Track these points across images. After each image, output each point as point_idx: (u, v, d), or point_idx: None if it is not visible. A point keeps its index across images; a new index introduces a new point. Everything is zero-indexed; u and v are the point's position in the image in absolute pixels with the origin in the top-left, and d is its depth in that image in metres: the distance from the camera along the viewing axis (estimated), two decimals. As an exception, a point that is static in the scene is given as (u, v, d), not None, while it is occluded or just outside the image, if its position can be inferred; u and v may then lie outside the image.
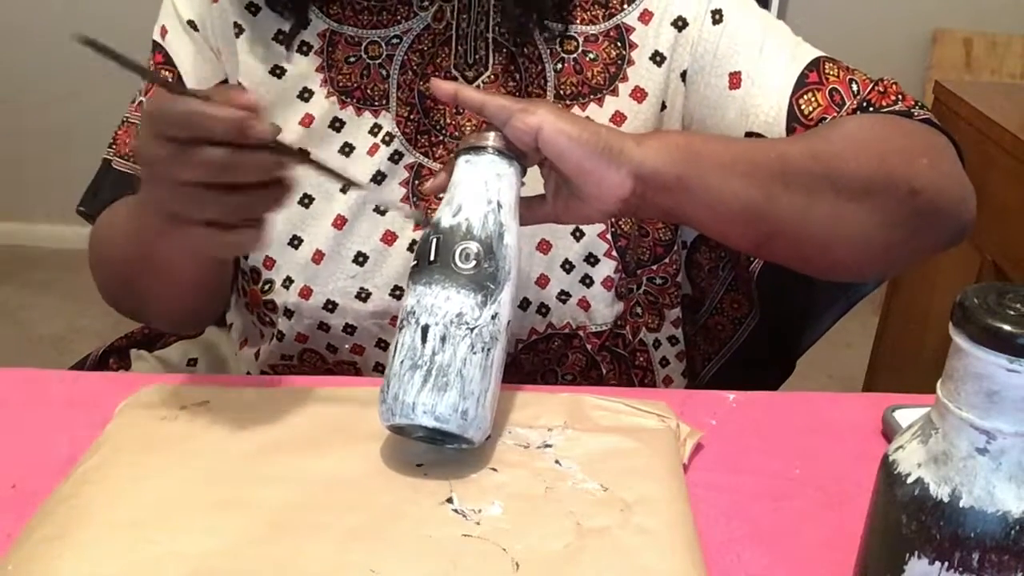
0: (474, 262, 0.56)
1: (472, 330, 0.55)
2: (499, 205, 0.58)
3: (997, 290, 0.36)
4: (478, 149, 0.60)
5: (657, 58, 0.74)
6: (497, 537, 0.50)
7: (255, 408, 0.62)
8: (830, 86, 0.73)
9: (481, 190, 0.58)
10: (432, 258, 0.56)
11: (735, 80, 0.73)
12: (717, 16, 0.74)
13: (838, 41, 2.75)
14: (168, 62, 0.78)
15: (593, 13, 0.74)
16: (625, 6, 0.74)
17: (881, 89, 0.73)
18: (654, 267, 0.79)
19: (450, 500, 0.53)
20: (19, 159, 2.68)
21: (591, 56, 0.74)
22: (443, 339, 0.54)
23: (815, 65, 0.74)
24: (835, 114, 0.71)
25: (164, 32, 0.78)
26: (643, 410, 0.61)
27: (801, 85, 0.73)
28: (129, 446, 0.58)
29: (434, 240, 0.57)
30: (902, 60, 2.43)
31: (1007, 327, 0.34)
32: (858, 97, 0.72)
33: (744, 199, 0.62)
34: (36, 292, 2.52)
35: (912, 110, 0.72)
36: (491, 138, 0.60)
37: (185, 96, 0.52)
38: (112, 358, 0.87)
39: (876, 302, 2.49)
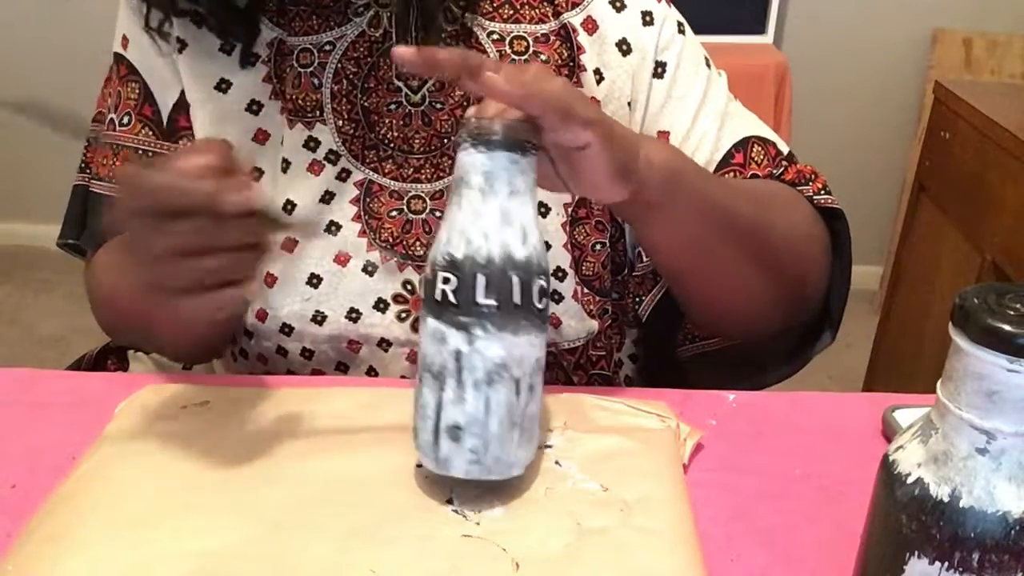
0: (544, 299, 0.52)
1: (542, 371, 0.53)
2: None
3: (997, 290, 0.36)
4: (523, 147, 0.51)
5: (598, 76, 0.73)
6: (497, 537, 0.50)
7: (255, 408, 0.62)
8: (751, 172, 0.74)
9: (531, 209, 0.51)
10: (518, 302, 0.50)
11: (663, 138, 0.74)
12: (660, 69, 0.74)
13: (838, 41, 2.76)
14: (132, 72, 0.76)
15: (542, 11, 0.73)
16: (571, 7, 0.73)
17: (796, 171, 0.76)
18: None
19: (450, 500, 0.53)
20: (19, 159, 2.68)
21: (543, 58, 0.72)
22: (530, 388, 0.52)
23: (743, 145, 0.75)
24: None
25: (125, 42, 0.77)
26: (643, 410, 0.61)
27: (725, 164, 0.74)
28: (129, 446, 0.58)
29: (515, 279, 0.50)
30: (902, 60, 2.43)
31: (1007, 327, 0.34)
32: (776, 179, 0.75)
33: (693, 234, 0.64)
34: (36, 292, 2.52)
35: (819, 195, 0.75)
36: (529, 131, 0.51)
37: (155, 166, 0.51)
38: (110, 359, 0.87)
39: (876, 302, 2.49)
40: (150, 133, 0.76)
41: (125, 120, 0.76)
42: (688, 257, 0.67)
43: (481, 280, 0.49)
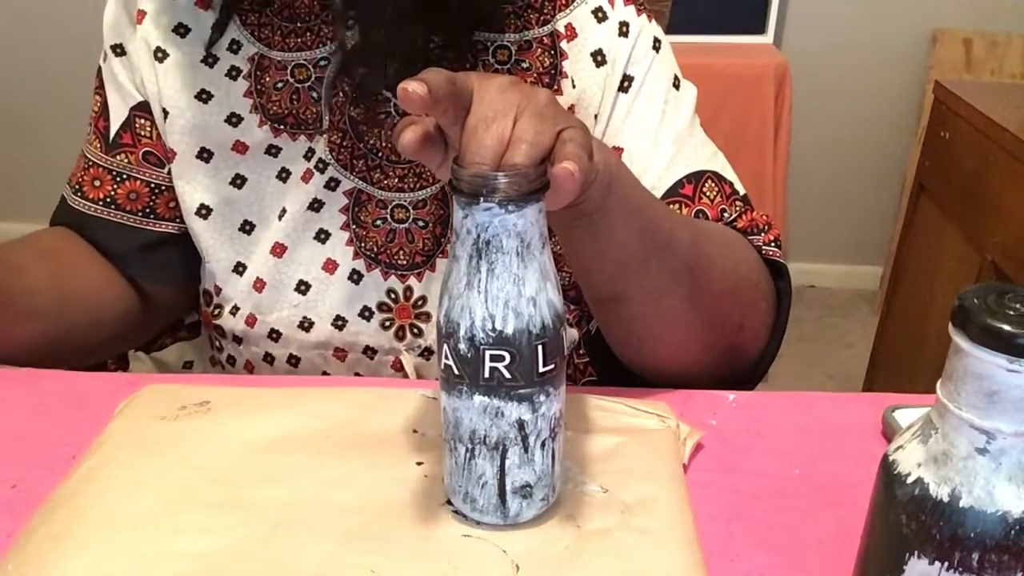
0: (569, 349, 0.50)
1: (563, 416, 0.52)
2: None
3: (997, 290, 0.36)
4: (528, 197, 0.45)
5: (573, 83, 0.72)
6: (497, 538, 0.50)
7: (255, 408, 0.62)
8: (698, 207, 0.71)
9: (549, 260, 0.47)
10: (567, 352, 0.47)
11: (616, 154, 0.71)
12: (626, 83, 0.72)
13: (838, 41, 2.77)
14: (100, 86, 0.79)
15: (526, 19, 0.71)
16: (558, 14, 0.71)
17: (749, 219, 0.72)
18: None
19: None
20: (19, 159, 2.68)
21: (524, 65, 0.71)
22: (553, 437, 0.50)
23: (696, 178, 0.71)
24: None
25: (104, 56, 0.79)
26: (643, 410, 0.61)
27: (673, 194, 0.71)
28: (129, 446, 0.58)
29: (563, 332, 0.48)
30: (902, 60, 2.43)
31: (1007, 327, 0.34)
32: (723, 222, 0.71)
33: (626, 253, 0.59)
34: (36, 292, 2.51)
35: (768, 246, 0.72)
36: (537, 174, 0.45)
37: None
38: (110, 359, 0.87)
39: (876, 302, 2.49)
40: (99, 146, 0.79)
41: (89, 129, 0.80)
42: (619, 281, 0.61)
43: (540, 350, 0.47)
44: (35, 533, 0.50)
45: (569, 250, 0.61)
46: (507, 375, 0.47)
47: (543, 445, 0.49)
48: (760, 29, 2.31)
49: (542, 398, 0.48)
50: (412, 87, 0.44)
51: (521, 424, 0.48)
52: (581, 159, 0.46)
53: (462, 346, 0.47)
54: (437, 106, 0.46)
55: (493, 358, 0.46)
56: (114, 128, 0.78)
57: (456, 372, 0.48)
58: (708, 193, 0.71)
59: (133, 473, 0.55)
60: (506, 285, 0.46)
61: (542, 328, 0.46)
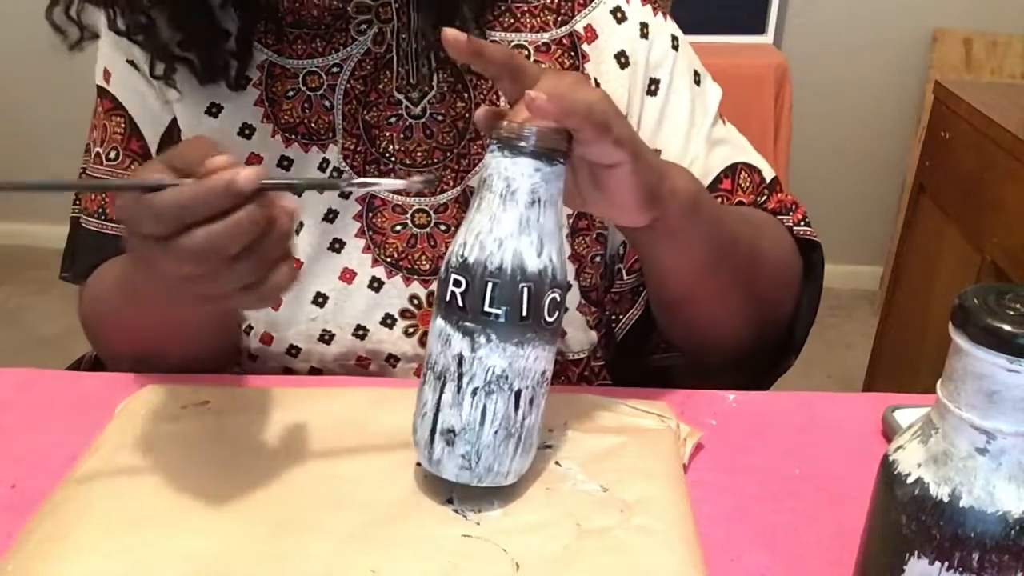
0: (556, 312, 0.51)
1: (547, 384, 0.53)
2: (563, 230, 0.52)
3: (997, 290, 0.36)
4: (550, 156, 0.49)
5: (597, 85, 0.71)
6: (497, 538, 0.50)
7: (255, 408, 0.62)
8: (737, 199, 0.74)
9: (552, 219, 0.50)
10: (524, 314, 0.49)
11: None
12: (653, 87, 0.73)
13: (838, 41, 2.76)
14: (117, 107, 0.74)
15: (543, 19, 0.71)
16: (576, 15, 0.71)
17: (777, 200, 0.75)
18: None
19: (450, 500, 0.53)
20: (19, 159, 2.68)
21: (543, 66, 0.70)
22: (531, 401, 0.51)
23: (731, 171, 0.74)
24: None
25: (107, 76, 0.75)
26: (643, 410, 0.61)
27: (712, 189, 0.73)
28: (129, 446, 0.58)
29: (525, 290, 0.49)
30: (902, 60, 2.43)
31: (1007, 327, 0.34)
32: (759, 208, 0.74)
33: (701, 260, 0.63)
34: (36, 292, 2.52)
35: (798, 226, 0.75)
36: (558, 138, 0.49)
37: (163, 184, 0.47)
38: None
39: (876, 302, 2.49)
40: (139, 168, 0.74)
41: (112, 155, 0.75)
42: (693, 284, 0.65)
43: (490, 288, 0.49)
44: (35, 533, 0.50)
45: (652, 263, 0.65)
46: (460, 303, 0.50)
47: (474, 393, 0.50)
48: (760, 29, 2.31)
49: (482, 340, 0.49)
50: (452, 31, 0.50)
51: (460, 360, 0.50)
52: (553, 88, 0.49)
53: (443, 269, 0.51)
54: (477, 57, 0.51)
55: (455, 283, 0.50)
56: (153, 146, 0.74)
57: (438, 295, 0.52)
58: (743, 184, 0.74)
59: (133, 473, 0.55)
60: (483, 220, 0.50)
61: (498, 269, 0.49)
